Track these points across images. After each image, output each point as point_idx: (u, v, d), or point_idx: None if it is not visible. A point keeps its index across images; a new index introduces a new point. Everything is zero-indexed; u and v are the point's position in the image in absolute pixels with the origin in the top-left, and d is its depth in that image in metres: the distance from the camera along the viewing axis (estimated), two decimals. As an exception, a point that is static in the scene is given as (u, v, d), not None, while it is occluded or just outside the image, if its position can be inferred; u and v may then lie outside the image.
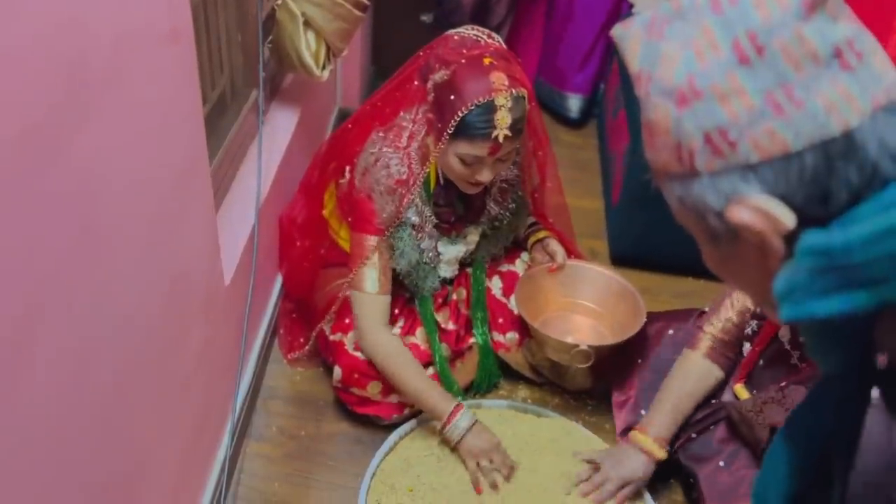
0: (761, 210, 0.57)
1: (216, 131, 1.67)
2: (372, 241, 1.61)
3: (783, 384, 1.37)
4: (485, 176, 1.52)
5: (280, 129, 2.01)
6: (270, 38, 1.90)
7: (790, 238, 0.58)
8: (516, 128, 1.46)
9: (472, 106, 1.42)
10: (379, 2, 2.98)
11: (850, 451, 0.64)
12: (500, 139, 1.45)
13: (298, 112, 2.10)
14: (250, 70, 1.86)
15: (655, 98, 0.61)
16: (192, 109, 1.20)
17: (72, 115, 0.81)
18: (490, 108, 1.43)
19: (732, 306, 1.54)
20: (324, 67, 1.89)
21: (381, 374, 1.62)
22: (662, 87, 0.61)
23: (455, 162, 1.51)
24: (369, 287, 1.61)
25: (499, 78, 1.43)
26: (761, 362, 1.48)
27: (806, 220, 0.57)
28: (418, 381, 1.59)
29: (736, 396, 1.49)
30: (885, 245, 0.53)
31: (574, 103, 3.01)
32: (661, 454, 1.50)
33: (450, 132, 1.45)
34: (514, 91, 1.44)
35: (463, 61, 1.46)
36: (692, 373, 1.55)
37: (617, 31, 0.65)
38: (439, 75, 1.47)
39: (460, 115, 1.43)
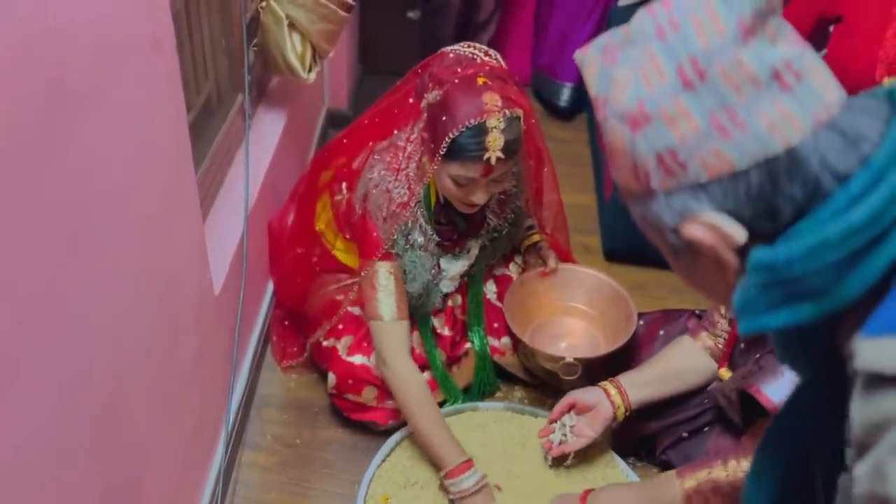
0: (712, 226, 0.60)
1: (202, 137, 1.65)
2: (381, 267, 1.57)
3: (758, 356, 1.37)
4: (479, 198, 1.49)
5: (267, 132, 1.99)
6: (255, 41, 1.87)
7: (745, 252, 0.61)
8: (510, 149, 1.42)
9: (462, 128, 1.39)
10: (366, 0, 2.96)
11: (830, 455, 0.66)
12: (493, 161, 1.41)
13: (286, 115, 2.08)
14: (236, 74, 1.84)
15: (612, 121, 0.64)
16: (177, 118, 1.19)
17: (53, 126, 0.80)
18: (481, 131, 1.39)
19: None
20: (310, 70, 1.87)
21: (398, 405, 1.58)
22: (617, 111, 0.63)
23: (449, 183, 1.48)
24: (387, 315, 1.56)
25: (491, 98, 1.39)
26: (742, 345, 1.47)
27: (757, 235, 0.60)
28: (434, 427, 1.52)
29: (720, 380, 1.48)
30: (821, 258, 0.55)
31: (565, 92, 3.00)
32: (612, 389, 1.50)
33: (441, 153, 1.42)
34: (507, 112, 1.40)
35: (456, 81, 1.42)
36: (677, 347, 1.55)
37: (577, 55, 0.68)
38: (432, 95, 1.45)
39: (451, 137, 1.40)
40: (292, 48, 1.81)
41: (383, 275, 1.57)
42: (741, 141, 0.58)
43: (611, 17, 2.79)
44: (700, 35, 0.58)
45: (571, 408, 1.52)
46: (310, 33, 1.82)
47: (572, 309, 1.85)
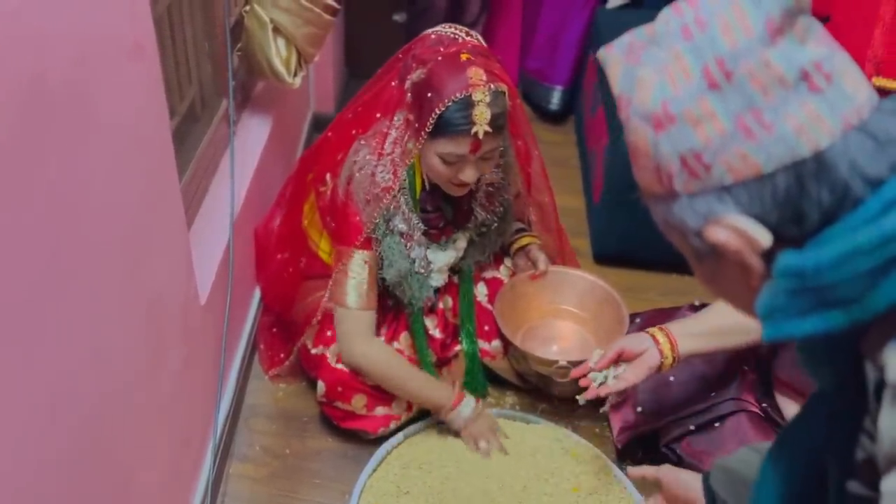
0: (737, 230, 0.59)
1: (186, 143, 1.62)
2: (357, 255, 1.56)
3: None
4: (468, 175, 1.48)
5: (252, 138, 1.96)
6: (239, 45, 1.85)
7: (770, 257, 0.60)
8: (497, 123, 1.42)
9: (449, 102, 1.39)
10: (350, 3, 2.94)
11: (845, 464, 0.65)
12: (480, 135, 1.41)
13: (271, 120, 2.06)
14: (220, 79, 1.81)
15: (635, 121, 0.63)
16: (159, 126, 1.16)
17: (31, 134, 0.77)
18: (468, 104, 1.40)
19: None
20: (295, 74, 1.85)
21: (375, 382, 1.59)
22: (640, 111, 0.62)
23: (437, 162, 1.47)
24: (352, 302, 1.56)
25: (476, 73, 1.40)
26: None
27: (783, 240, 0.59)
28: (414, 386, 1.61)
29: None
30: (852, 265, 0.54)
31: (555, 95, 2.98)
32: (661, 337, 1.41)
33: (428, 130, 1.42)
34: (492, 86, 1.41)
35: (439, 58, 1.43)
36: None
37: (601, 54, 0.67)
38: (416, 74, 1.44)
39: (438, 112, 1.40)
40: (277, 53, 1.79)
41: (358, 263, 1.56)
42: (767, 144, 0.57)
43: (598, 19, 2.78)
44: (727, 35, 0.58)
45: (619, 357, 1.43)
46: (295, 38, 1.80)
47: (563, 312, 1.84)
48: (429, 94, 1.41)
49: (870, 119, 0.57)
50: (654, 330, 1.43)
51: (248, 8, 1.78)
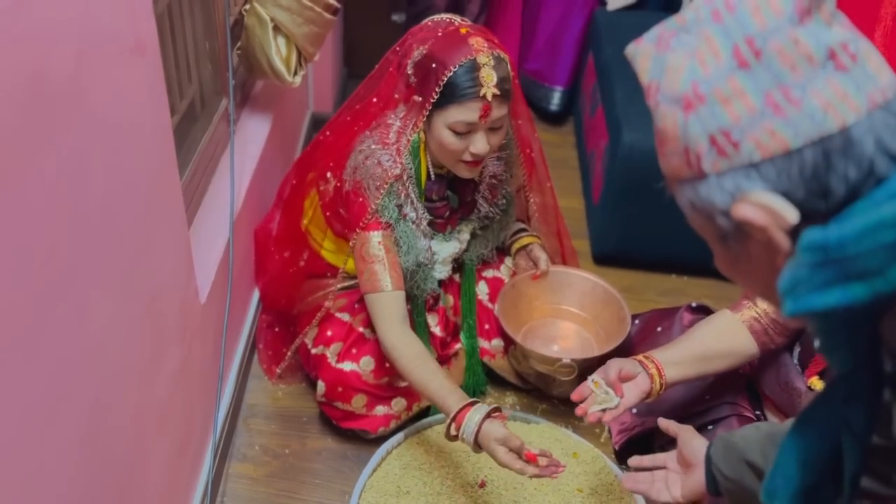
0: (764, 206, 0.60)
1: (186, 142, 1.62)
2: (372, 237, 1.53)
3: None
4: (479, 146, 1.48)
5: (252, 137, 1.96)
6: (239, 44, 1.84)
7: (796, 235, 0.60)
8: (503, 87, 1.44)
9: (454, 67, 1.41)
10: (350, 3, 2.94)
11: (858, 450, 0.66)
12: (489, 97, 1.42)
13: (270, 119, 2.05)
14: (220, 78, 1.81)
15: (664, 106, 0.65)
16: (160, 123, 1.16)
17: (32, 132, 0.77)
18: (473, 67, 1.42)
19: None
20: (295, 73, 1.84)
21: (401, 375, 1.51)
22: (670, 95, 0.64)
23: (447, 136, 1.47)
24: (383, 285, 1.51)
25: (477, 41, 1.44)
26: None
27: (808, 216, 0.60)
28: (427, 383, 1.41)
29: (810, 388, 1.40)
30: (876, 238, 0.55)
31: (555, 96, 2.99)
32: (650, 365, 1.39)
33: (435, 99, 1.43)
34: (494, 52, 1.44)
35: (439, 34, 1.46)
36: (719, 323, 1.44)
37: (629, 49, 0.69)
38: (417, 52, 1.47)
39: (445, 78, 1.41)
40: (277, 51, 1.79)
41: (374, 245, 1.53)
42: (795, 119, 0.58)
43: (597, 20, 2.79)
44: (756, 16, 0.60)
45: (619, 375, 1.38)
46: (295, 36, 1.79)
47: (564, 312, 1.84)
48: (433, 65, 1.43)
49: (894, 99, 0.59)
50: (642, 358, 1.42)
51: (248, 6, 1.78)
